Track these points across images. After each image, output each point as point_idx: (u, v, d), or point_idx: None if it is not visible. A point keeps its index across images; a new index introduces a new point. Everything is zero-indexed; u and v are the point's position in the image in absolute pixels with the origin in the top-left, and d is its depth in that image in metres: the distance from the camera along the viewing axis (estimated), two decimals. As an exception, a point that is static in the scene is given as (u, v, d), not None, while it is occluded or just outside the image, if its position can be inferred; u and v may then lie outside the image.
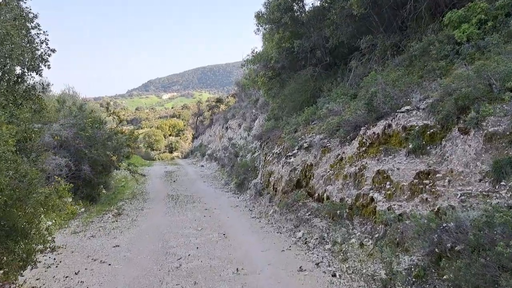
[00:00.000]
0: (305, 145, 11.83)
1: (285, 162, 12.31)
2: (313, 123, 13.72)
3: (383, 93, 9.00)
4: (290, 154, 12.28)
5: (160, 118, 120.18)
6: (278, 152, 13.83)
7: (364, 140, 8.71)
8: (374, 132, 8.46)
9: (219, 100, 53.15)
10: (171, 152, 77.13)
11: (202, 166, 32.06)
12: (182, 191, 18.88)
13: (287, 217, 10.34)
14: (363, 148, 8.64)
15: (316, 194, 9.97)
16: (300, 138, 12.83)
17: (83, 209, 13.77)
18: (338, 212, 8.23)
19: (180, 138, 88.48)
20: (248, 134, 27.87)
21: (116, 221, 11.95)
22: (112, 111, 17.38)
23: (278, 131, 15.89)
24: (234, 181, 19.67)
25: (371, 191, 7.63)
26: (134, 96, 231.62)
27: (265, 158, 15.47)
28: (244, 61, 21.05)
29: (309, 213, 9.50)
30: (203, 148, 41.97)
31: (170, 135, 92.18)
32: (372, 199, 7.48)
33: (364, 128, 8.93)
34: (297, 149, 12.13)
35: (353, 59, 15.65)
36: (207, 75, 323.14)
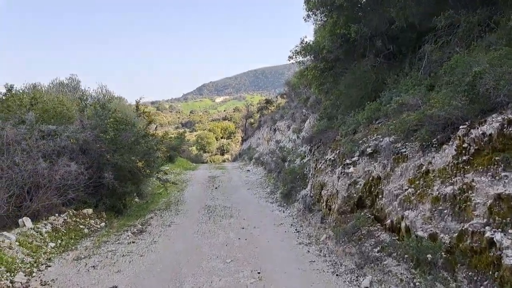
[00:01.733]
0: (369, 150, 9.00)
1: (341, 173, 9.54)
2: (377, 122, 10.81)
3: (493, 75, 5.99)
4: (348, 162, 9.49)
5: (213, 120, 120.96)
6: (332, 158, 11.06)
7: (465, 145, 5.77)
8: (483, 133, 5.50)
9: (268, 101, 50.80)
10: (222, 154, 76.47)
11: (248, 170, 29.80)
12: (222, 200, 16.63)
13: (346, 249, 7.58)
14: (465, 157, 5.70)
15: (388, 221, 7.11)
16: (361, 141, 10.01)
17: (103, 224, 11.92)
18: (428, 256, 5.36)
19: (231, 141, 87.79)
20: (297, 137, 25.16)
21: (134, 242, 9.85)
22: (142, 111, 15.56)
23: (332, 133, 13.09)
24: (281, 190, 17.09)
25: (487, 227, 4.72)
26: (188, 99, 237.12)
27: (316, 165, 12.73)
28: (292, 52, 18.38)
29: (379, 248, 6.69)
30: (251, 151, 39.82)
31: (221, 137, 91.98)
32: (491, 242, 4.57)
33: (465, 126, 5.97)
34: (358, 155, 9.33)
35: (426, 43, 12.47)
36: (259, 78, 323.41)
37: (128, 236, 10.44)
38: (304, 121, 25.94)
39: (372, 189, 8.16)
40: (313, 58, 18.14)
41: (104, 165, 12.52)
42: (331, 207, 9.61)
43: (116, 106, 16.11)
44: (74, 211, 11.68)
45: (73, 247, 9.34)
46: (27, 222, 9.41)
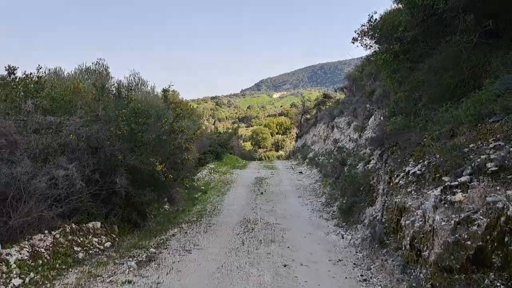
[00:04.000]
0: (490, 166, 5.46)
1: (440, 199, 6.04)
2: (492, 120, 7.16)
3: None
4: (452, 182, 5.97)
5: (269, 116, 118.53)
6: (418, 172, 7.55)
7: None
8: None
9: (326, 96, 46.78)
10: (277, 150, 73.75)
11: (301, 172, 26.48)
12: (265, 212, 13.62)
13: None
14: None
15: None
16: (468, 150, 6.46)
17: (108, 244, 9.42)
18: None
19: (287, 136, 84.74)
20: (359, 136, 21.38)
21: (130, 281, 7.12)
22: (171, 101, 12.89)
23: (414, 134, 9.50)
24: (339, 203, 13.72)
25: None
26: (246, 95, 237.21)
27: (390, 178, 9.25)
28: (358, 33, 14.80)
29: None
30: (305, 149, 36.35)
31: (277, 133, 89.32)
32: None
33: None
34: (470, 173, 5.79)
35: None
36: (317, 73, 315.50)
37: (128, 268, 7.74)
38: (368, 117, 22.07)
39: (505, 238, 4.65)
40: (384, 39, 14.41)
41: (116, 167, 10.02)
42: (422, 253, 6.16)
43: (140, 95, 13.61)
44: (75, 226, 9.30)
45: (48, 286, 6.80)
46: (-8, 246, 7.06)
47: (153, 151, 10.74)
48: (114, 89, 11.66)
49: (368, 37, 14.83)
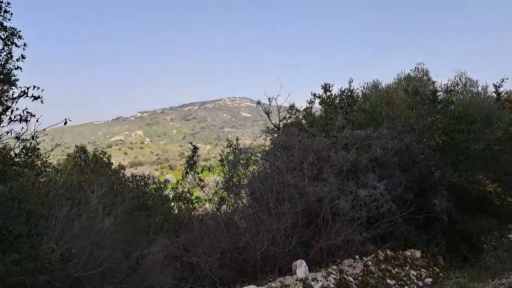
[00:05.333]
0: None
1: None
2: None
3: None
4: None
5: None
6: None
7: None
8: None
9: None
10: None
11: None
12: None
13: None
14: None
15: None
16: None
17: (429, 280, 7.61)
18: None
19: None
20: None
21: None
22: (506, 99, 9.44)
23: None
24: None
25: None
26: None
27: None
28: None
29: None
30: None
31: None
32: None
33: None
34: None
35: None
36: None
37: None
38: None
39: None
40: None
41: (434, 186, 8.17)
42: None
43: (467, 97, 10.99)
44: (390, 253, 8.17)
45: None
46: (301, 268, 6.88)
47: (482, 165, 8.12)
48: (429, 93, 9.89)
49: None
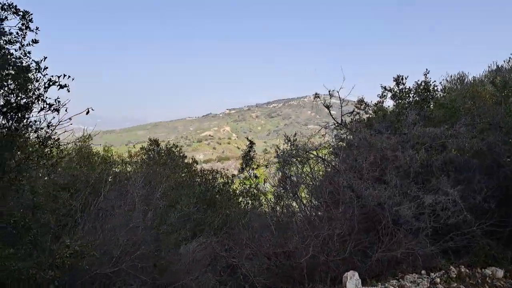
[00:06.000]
0: None
1: None
2: None
3: None
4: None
5: None
6: None
7: None
8: None
9: None
10: None
11: None
12: None
13: None
14: None
15: None
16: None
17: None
18: None
19: None
20: None
21: None
22: None
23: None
24: None
25: None
26: None
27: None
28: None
29: None
30: None
31: None
32: None
33: None
34: None
35: None
36: None
37: None
38: None
39: None
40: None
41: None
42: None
43: None
44: (465, 270, 6.99)
45: None
46: (352, 280, 6.16)
47: None
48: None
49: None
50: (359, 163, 7.75)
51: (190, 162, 16.37)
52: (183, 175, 15.18)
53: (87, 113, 4.62)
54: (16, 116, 4.02)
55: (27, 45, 4.37)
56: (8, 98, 4.03)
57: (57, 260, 3.73)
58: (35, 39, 4.48)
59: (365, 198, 7.12)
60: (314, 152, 8.24)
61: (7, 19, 4.28)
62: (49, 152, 4.34)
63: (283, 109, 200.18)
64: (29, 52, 4.35)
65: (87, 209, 5.40)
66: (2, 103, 4.00)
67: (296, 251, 7.03)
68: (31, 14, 4.39)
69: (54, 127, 4.38)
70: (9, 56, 4.14)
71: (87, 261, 4.11)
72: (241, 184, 14.04)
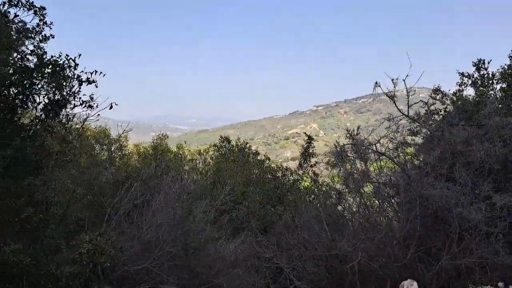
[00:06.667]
0: None
1: None
2: None
3: None
4: None
5: None
6: None
7: None
8: None
9: None
10: None
11: None
12: None
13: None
14: None
15: None
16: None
17: None
18: None
19: None
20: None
21: None
22: None
23: None
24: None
25: None
26: None
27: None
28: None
29: None
30: None
31: None
32: None
33: None
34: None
35: None
36: None
37: None
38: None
39: None
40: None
41: None
42: None
43: None
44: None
45: None
46: (408, 289, 5.49)
47: None
48: None
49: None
50: (425, 159, 6.98)
51: (263, 159, 16.41)
52: (255, 171, 15.29)
53: (111, 107, 4.84)
54: (54, 112, 4.35)
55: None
56: (49, 96, 4.38)
57: (77, 256, 3.90)
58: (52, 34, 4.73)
59: (429, 198, 6.37)
60: (374, 147, 7.61)
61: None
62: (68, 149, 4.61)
63: (373, 104, 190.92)
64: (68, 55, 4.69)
65: (117, 204, 5.60)
66: (46, 101, 4.36)
67: (349, 254, 6.56)
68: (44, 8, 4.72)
69: (87, 122, 4.67)
70: (45, 56, 4.49)
71: (115, 257, 4.23)
72: (301, 181, 13.69)
